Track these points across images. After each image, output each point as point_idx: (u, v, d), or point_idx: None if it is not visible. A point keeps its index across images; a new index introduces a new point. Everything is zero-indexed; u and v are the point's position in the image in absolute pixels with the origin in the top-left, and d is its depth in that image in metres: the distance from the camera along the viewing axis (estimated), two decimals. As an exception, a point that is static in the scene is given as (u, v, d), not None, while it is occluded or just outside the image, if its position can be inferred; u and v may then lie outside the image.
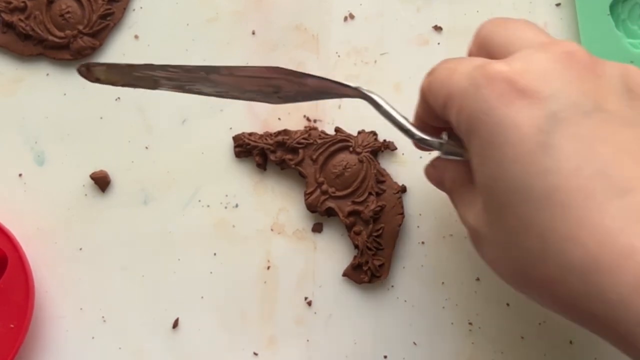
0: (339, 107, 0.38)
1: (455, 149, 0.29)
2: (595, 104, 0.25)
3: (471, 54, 0.30)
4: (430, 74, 0.29)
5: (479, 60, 0.27)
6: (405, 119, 0.30)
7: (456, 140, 0.29)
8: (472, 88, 0.26)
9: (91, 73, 0.32)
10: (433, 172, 0.33)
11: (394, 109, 0.30)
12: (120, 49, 0.39)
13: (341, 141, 0.37)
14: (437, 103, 0.28)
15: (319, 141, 0.37)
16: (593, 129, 0.24)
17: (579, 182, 0.24)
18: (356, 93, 0.31)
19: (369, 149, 0.37)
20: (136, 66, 0.31)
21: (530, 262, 0.25)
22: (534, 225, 0.24)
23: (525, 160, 0.24)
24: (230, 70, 0.31)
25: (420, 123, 0.31)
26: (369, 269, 0.37)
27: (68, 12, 0.38)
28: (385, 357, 0.37)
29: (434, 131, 0.30)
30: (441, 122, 0.29)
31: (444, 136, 0.29)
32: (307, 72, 0.38)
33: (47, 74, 0.39)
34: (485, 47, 0.29)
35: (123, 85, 0.32)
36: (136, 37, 0.39)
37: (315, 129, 0.38)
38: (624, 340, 0.23)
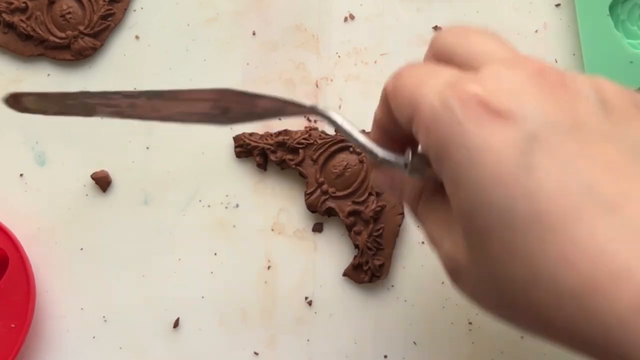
0: (340, 107, 0.38)
1: (420, 168, 0.26)
2: (573, 121, 0.24)
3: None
4: (397, 77, 0.27)
5: (449, 75, 0.25)
6: (367, 138, 0.28)
7: (420, 156, 0.26)
8: (444, 110, 0.24)
9: (19, 103, 0.31)
10: (383, 179, 0.30)
11: (354, 126, 0.28)
12: (121, 50, 0.39)
13: (341, 141, 0.37)
14: (402, 114, 0.26)
15: (319, 141, 0.37)
16: (574, 147, 0.23)
17: (565, 202, 0.22)
18: (312, 111, 0.28)
19: (369, 149, 0.37)
20: (71, 94, 0.30)
21: (519, 290, 0.24)
22: (522, 251, 0.23)
23: (508, 184, 0.23)
24: (174, 94, 0.29)
25: (378, 129, 0.29)
26: (369, 268, 0.37)
27: (69, 13, 0.38)
28: (385, 356, 0.37)
29: (392, 140, 0.28)
30: (401, 131, 0.27)
31: (409, 155, 0.27)
32: (306, 72, 0.38)
33: (48, 75, 0.39)
34: (444, 59, 0.27)
35: (55, 114, 0.30)
36: (137, 37, 0.39)
37: (315, 129, 0.38)
38: None
